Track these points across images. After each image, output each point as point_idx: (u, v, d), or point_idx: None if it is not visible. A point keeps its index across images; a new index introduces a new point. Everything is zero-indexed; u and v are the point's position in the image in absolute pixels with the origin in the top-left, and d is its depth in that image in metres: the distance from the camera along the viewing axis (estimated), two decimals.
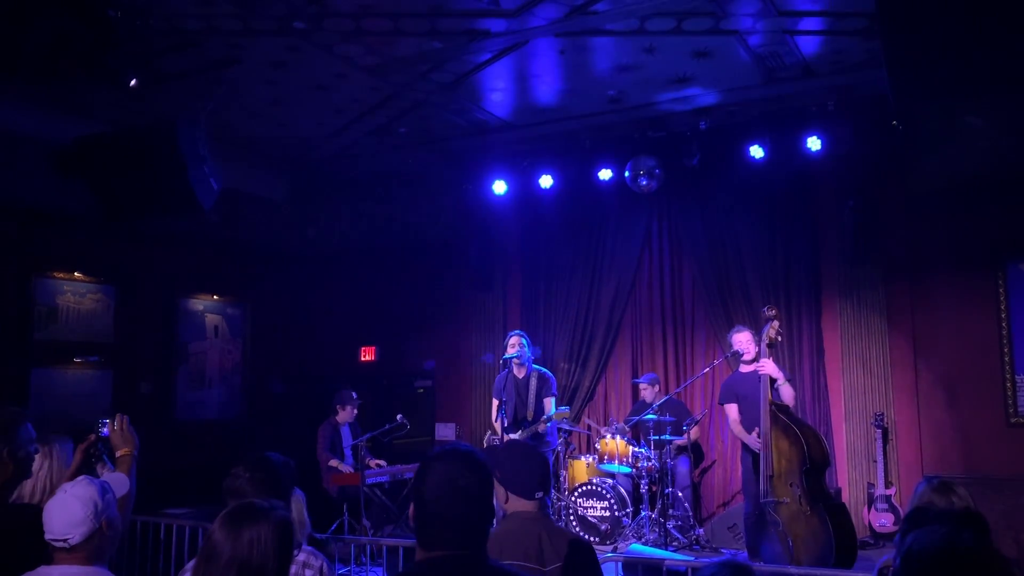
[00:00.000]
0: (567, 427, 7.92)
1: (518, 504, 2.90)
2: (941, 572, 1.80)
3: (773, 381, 6.24)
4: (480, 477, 2.06)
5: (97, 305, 8.56)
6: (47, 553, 2.55)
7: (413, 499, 2.07)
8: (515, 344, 7.18)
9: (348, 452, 8.16)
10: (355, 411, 8.33)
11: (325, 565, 2.90)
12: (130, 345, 8.81)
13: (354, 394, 8.35)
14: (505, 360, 7.21)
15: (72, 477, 3.01)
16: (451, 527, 2.00)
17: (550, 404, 7.15)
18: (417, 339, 10.05)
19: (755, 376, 6.32)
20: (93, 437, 3.45)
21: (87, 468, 3.36)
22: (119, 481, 3.28)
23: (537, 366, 7.32)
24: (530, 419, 7.10)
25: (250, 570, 2.10)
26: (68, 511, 2.51)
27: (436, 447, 2.16)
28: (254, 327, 10.19)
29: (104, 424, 3.45)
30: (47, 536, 2.52)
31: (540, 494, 2.93)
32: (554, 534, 2.88)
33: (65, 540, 2.50)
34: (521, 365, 7.20)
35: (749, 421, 6.43)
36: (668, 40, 6.18)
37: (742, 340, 6.63)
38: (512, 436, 7.07)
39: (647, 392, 8.08)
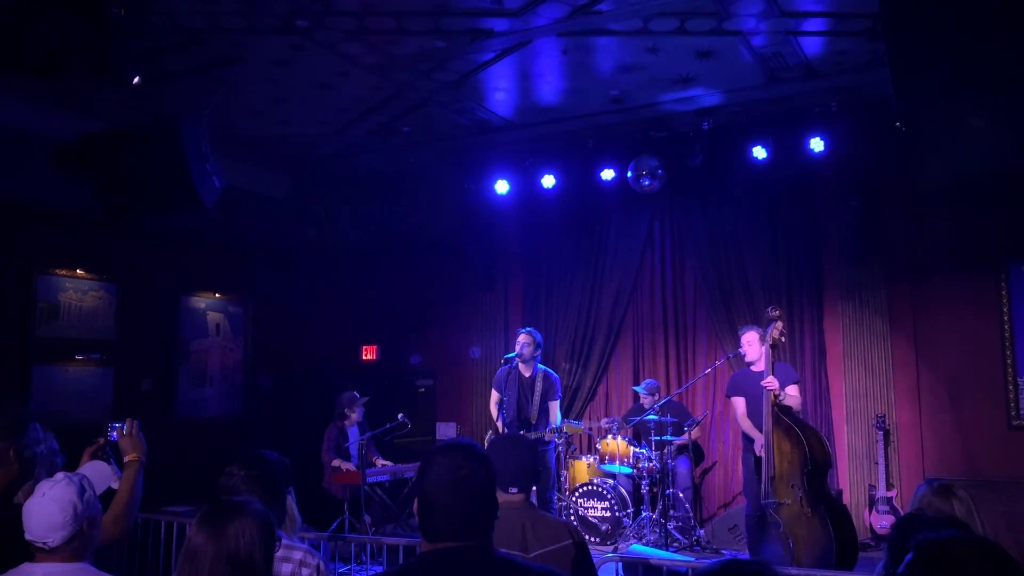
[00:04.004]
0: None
1: (501, 496, 2.97)
2: (958, 564, 1.80)
3: (778, 395, 6.21)
4: (480, 468, 2.08)
5: (99, 302, 8.56)
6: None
7: (416, 493, 2.08)
8: (524, 342, 7.13)
9: (354, 451, 8.15)
10: (362, 411, 8.31)
11: (321, 563, 2.90)
12: (131, 342, 8.81)
13: (356, 394, 8.33)
14: (508, 358, 7.19)
15: None
16: (452, 518, 2.01)
17: (555, 408, 7.14)
18: (418, 338, 10.05)
19: (759, 376, 6.31)
20: (102, 440, 3.44)
21: None
22: (102, 473, 3.27)
23: (543, 367, 7.30)
24: (533, 420, 7.08)
25: (239, 562, 2.11)
26: (46, 514, 2.48)
27: (438, 443, 2.17)
28: (255, 325, 10.19)
29: (113, 428, 3.43)
30: (27, 536, 2.49)
31: (514, 490, 3.03)
32: (538, 523, 3.01)
33: (44, 543, 2.48)
34: (527, 363, 7.16)
35: (753, 420, 6.42)
36: (671, 40, 6.17)
37: (744, 340, 6.62)
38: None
39: (647, 400, 8.04)
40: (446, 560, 2.00)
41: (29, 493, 3.01)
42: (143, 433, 3.43)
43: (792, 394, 6.32)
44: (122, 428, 3.40)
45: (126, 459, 3.35)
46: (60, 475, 2.62)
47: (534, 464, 3.22)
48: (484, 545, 2.04)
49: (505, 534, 2.91)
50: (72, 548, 2.52)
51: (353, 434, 8.24)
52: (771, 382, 6.13)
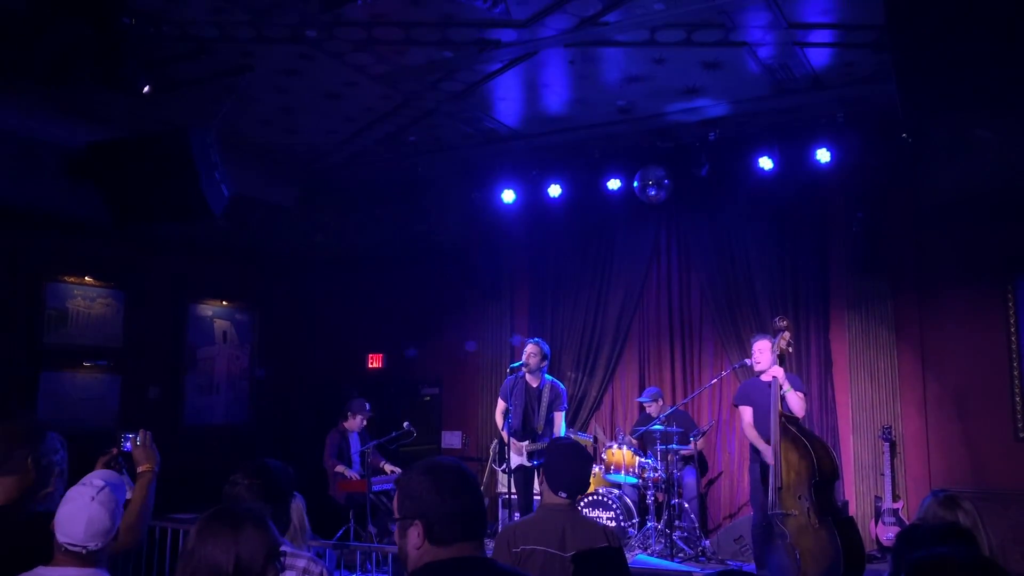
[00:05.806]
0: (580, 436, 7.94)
1: (548, 496, 3.30)
2: None
3: (781, 386, 6.21)
4: (470, 477, 2.14)
5: (107, 309, 8.60)
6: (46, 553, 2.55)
7: (418, 508, 2.06)
8: (531, 352, 7.12)
9: (356, 459, 8.17)
10: (364, 420, 8.33)
11: (325, 572, 2.90)
12: (139, 349, 8.84)
13: (367, 405, 8.33)
14: (513, 367, 7.19)
15: None
16: (468, 519, 2.06)
17: (559, 419, 7.14)
18: (424, 346, 10.06)
19: (768, 386, 6.30)
20: (115, 451, 3.45)
21: None
22: (120, 484, 3.30)
23: (550, 377, 7.29)
24: (539, 431, 7.08)
25: (236, 570, 2.11)
26: (97, 521, 2.51)
27: (417, 465, 2.17)
28: (262, 333, 10.22)
29: (127, 439, 3.44)
30: (62, 539, 2.51)
31: (563, 495, 3.26)
32: (579, 526, 3.24)
33: (85, 547, 2.50)
34: (535, 373, 7.16)
35: (761, 430, 6.41)
36: (678, 51, 6.20)
37: (756, 348, 6.60)
38: (518, 444, 7.07)
39: (652, 408, 8.04)
40: (452, 569, 2.02)
41: (43, 501, 3.03)
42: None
43: (795, 399, 6.31)
44: (135, 439, 3.41)
45: (140, 470, 3.36)
46: (100, 481, 2.64)
47: (587, 476, 3.46)
48: (484, 552, 2.12)
49: (546, 534, 3.16)
50: (100, 554, 2.56)
51: (354, 443, 8.25)
52: (776, 370, 6.16)
